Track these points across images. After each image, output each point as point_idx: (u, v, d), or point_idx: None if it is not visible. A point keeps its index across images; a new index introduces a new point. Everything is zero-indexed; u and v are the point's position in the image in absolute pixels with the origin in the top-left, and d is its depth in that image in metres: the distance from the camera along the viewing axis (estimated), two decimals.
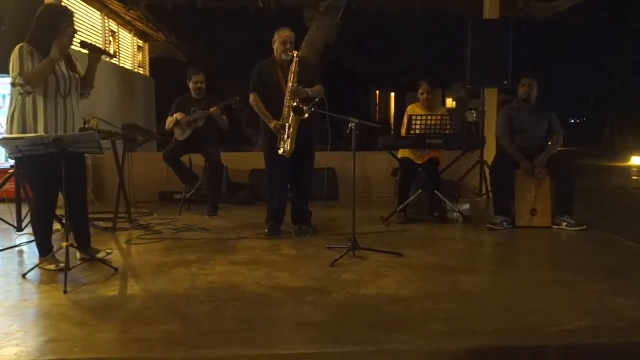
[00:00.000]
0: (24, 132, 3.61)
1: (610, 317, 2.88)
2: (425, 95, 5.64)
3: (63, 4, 6.94)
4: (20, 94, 3.61)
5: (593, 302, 3.11)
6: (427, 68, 18.39)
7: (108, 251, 4.05)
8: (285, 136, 4.57)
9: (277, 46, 4.70)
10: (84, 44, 3.97)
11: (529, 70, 5.82)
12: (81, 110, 3.98)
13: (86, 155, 4.22)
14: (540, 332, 2.70)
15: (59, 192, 3.79)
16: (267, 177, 4.91)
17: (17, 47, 3.63)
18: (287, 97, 4.57)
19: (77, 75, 3.84)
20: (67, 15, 3.78)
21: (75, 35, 3.85)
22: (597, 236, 4.90)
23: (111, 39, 9.98)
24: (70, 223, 3.93)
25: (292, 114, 4.51)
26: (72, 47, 3.84)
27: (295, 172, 4.85)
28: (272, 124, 4.64)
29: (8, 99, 6.19)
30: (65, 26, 3.71)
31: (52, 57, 3.62)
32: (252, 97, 4.77)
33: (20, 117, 3.64)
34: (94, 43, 4.21)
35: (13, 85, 3.59)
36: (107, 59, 8.58)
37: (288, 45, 4.63)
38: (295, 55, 4.60)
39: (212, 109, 5.72)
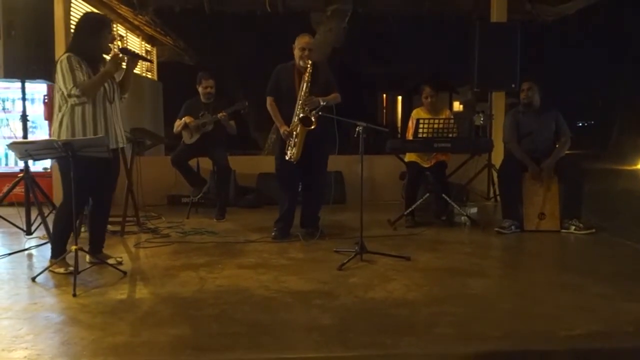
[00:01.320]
0: (73, 137, 3.68)
1: (619, 321, 2.87)
2: (428, 99, 5.64)
3: (72, 8, 7.00)
4: (75, 104, 3.69)
5: (602, 306, 3.10)
6: (433, 70, 18.35)
7: (119, 259, 4.06)
8: (292, 143, 4.58)
9: (295, 52, 4.71)
10: (124, 50, 4.07)
11: (529, 74, 5.80)
12: None
13: None
14: (548, 336, 2.69)
15: (88, 198, 3.87)
16: (277, 180, 4.94)
17: (64, 56, 3.72)
18: (298, 106, 4.58)
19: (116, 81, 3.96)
20: (107, 24, 3.94)
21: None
22: (605, 240, 4.88)
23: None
24: (89, 225, 4.00)
25: (299, 124, 4.52)
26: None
27: (305, 178, 4.87)
28: (282, 129, 4.66)
29: (17, 103, 6.33)
30: (106, 33, 3.85)
31: (109, 71, 3.77)
32: (268, 101, 4.82)
33: (69, 123, 3.72)
34: (133, 49, 4.31)
35: (69, 96, 3.66)
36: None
37: (306, 52, 4.64)
38: (309, 64, 4.59)
39: (219, 114, 5.74)
